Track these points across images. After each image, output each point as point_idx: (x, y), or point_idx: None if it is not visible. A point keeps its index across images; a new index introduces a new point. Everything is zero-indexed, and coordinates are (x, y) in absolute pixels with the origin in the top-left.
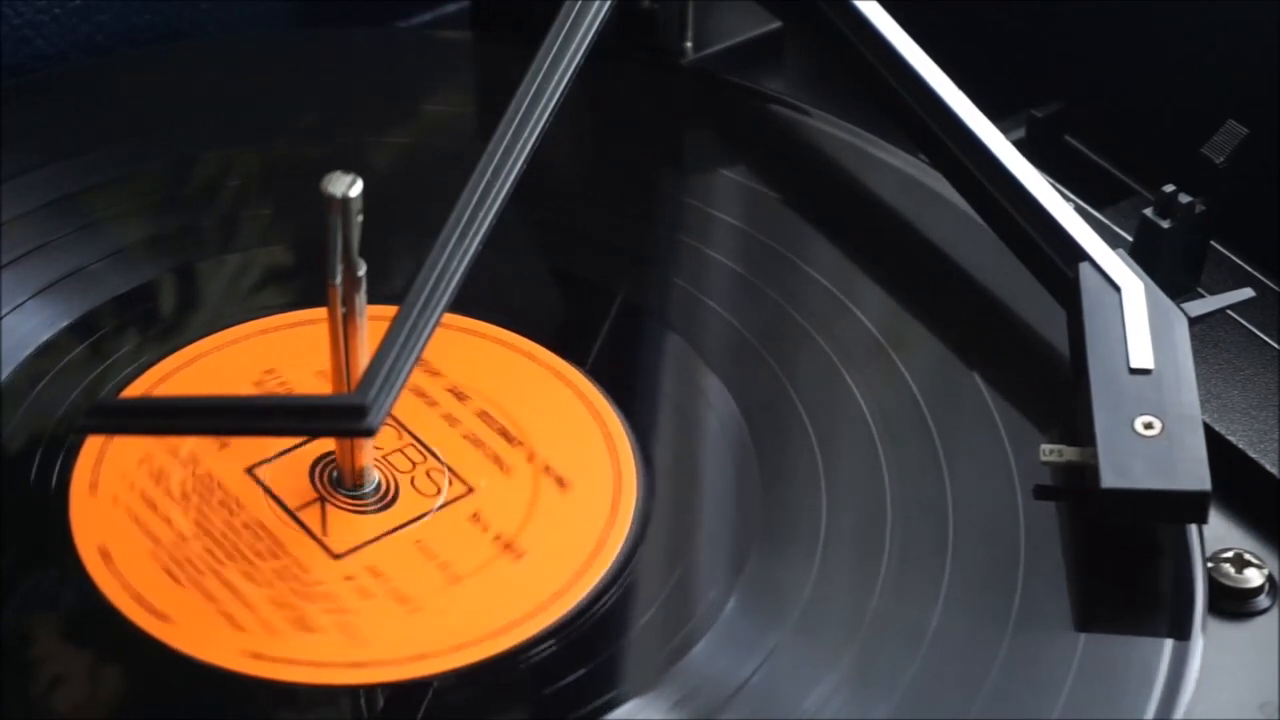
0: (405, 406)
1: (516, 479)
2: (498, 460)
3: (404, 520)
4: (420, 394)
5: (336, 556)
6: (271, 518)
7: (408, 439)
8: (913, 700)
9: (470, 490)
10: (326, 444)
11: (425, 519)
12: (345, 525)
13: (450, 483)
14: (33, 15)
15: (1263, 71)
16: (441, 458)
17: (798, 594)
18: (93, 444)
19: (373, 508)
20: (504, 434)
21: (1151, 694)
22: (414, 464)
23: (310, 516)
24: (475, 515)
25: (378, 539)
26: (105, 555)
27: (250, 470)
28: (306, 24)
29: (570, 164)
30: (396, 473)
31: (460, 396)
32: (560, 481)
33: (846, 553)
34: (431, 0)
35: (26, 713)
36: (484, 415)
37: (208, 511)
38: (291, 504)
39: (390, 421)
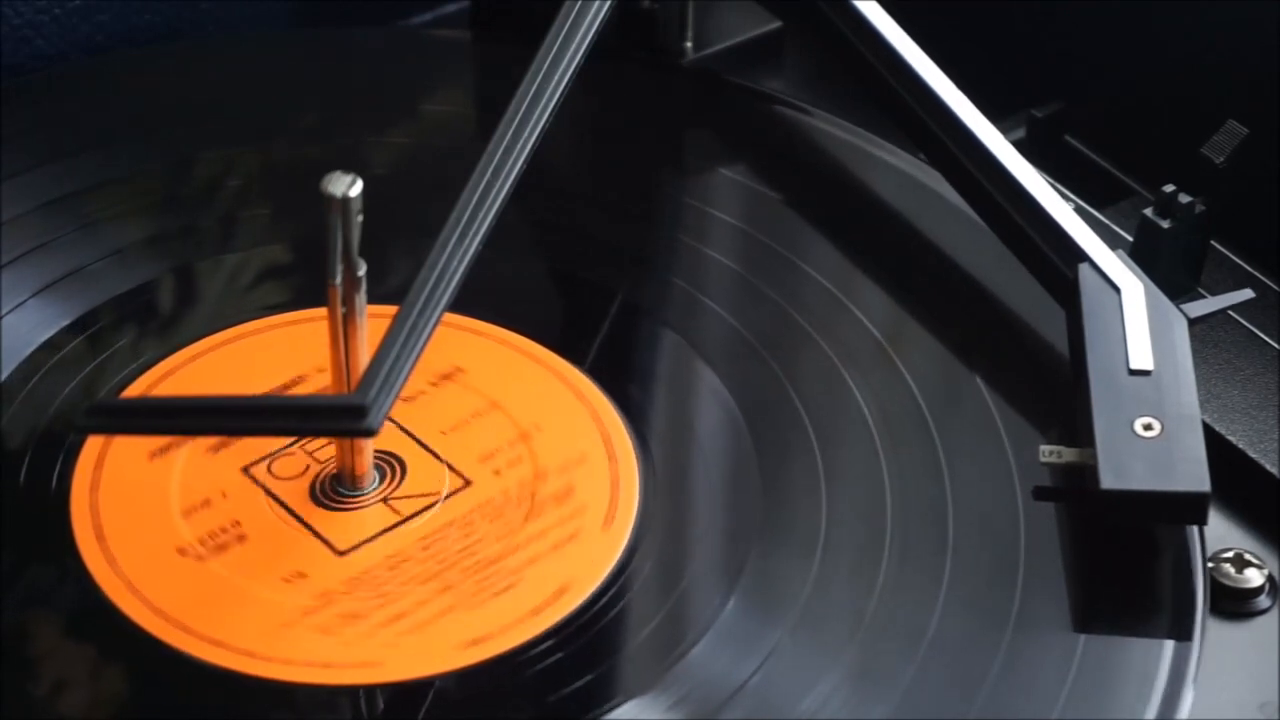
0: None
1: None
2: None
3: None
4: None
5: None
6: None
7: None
8: (912, 700)
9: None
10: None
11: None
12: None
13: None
14: (33, 15)
15: (1263, 71)
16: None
17: (797, 594)
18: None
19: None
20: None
21: (1151, 694)
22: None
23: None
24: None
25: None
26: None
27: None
28: (306, 24)
29: (570, 164)
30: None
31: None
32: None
33: (846, 553)
34: (431, 0)
35: (22, 707)
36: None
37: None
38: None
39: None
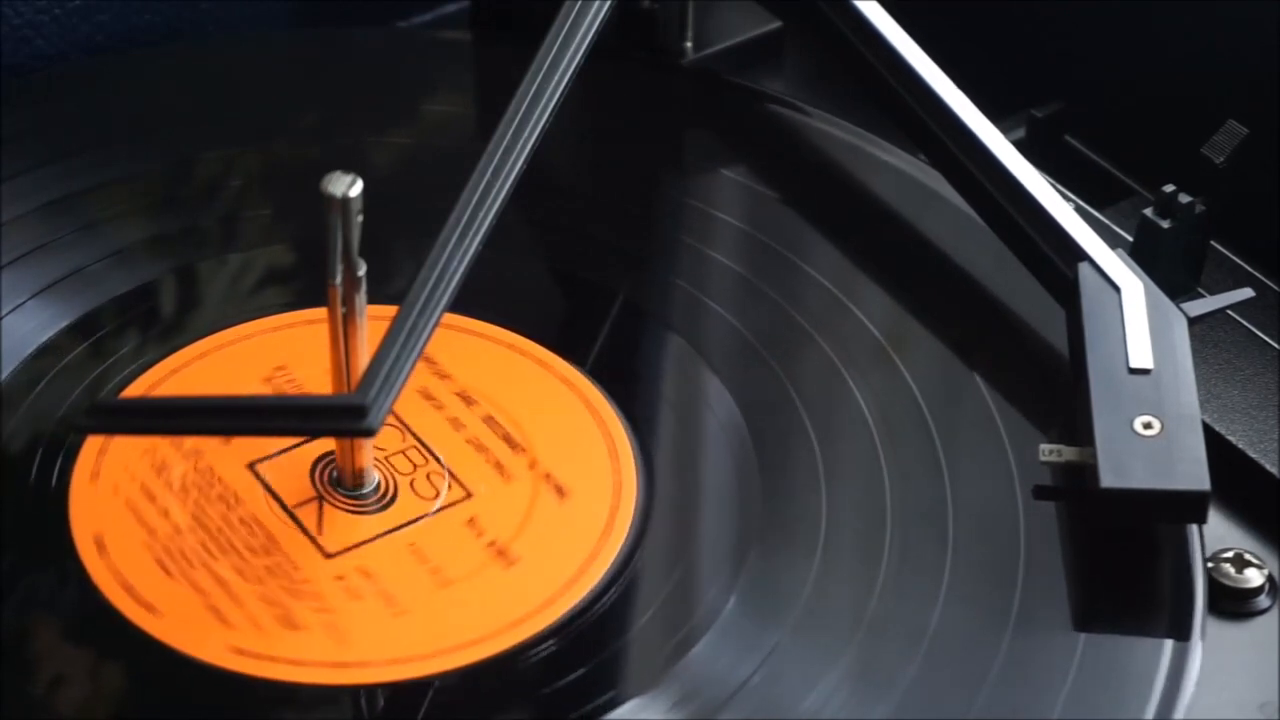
0: (411, 408)
1: (516, 485)
2: (499, 466)
3: (400, 522)
4: (428, 396)
5: (329, 556)
6: (268, 514)
7: (411, 441)
8: (912, 700)
9: (469, 495)
10: (328, 442)
11: (421, 522)
12: (341, 525)
13: (450, 487)
14: (33, 15)
15: (1263, 71)
16: (443, 461)
17: (798, 594)
18: (94, 441)
19: (370, 509)
20: (507, 439)
21: (1151, 694)
22: (415, 466)
23: (307, 515)
24: (472, 520)
25: (371, 540)
26: (100, 546)
27: (251, 466)
28: (306, 24)
29: (570, 164)
30: (397, 474)
31: (468, 401)
32: (560, 490)
33: (846, 553)
34: (431, 0)
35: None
36: (489, 420)
37: (205, 505)
38: (289, 501)
39: (394, 423)
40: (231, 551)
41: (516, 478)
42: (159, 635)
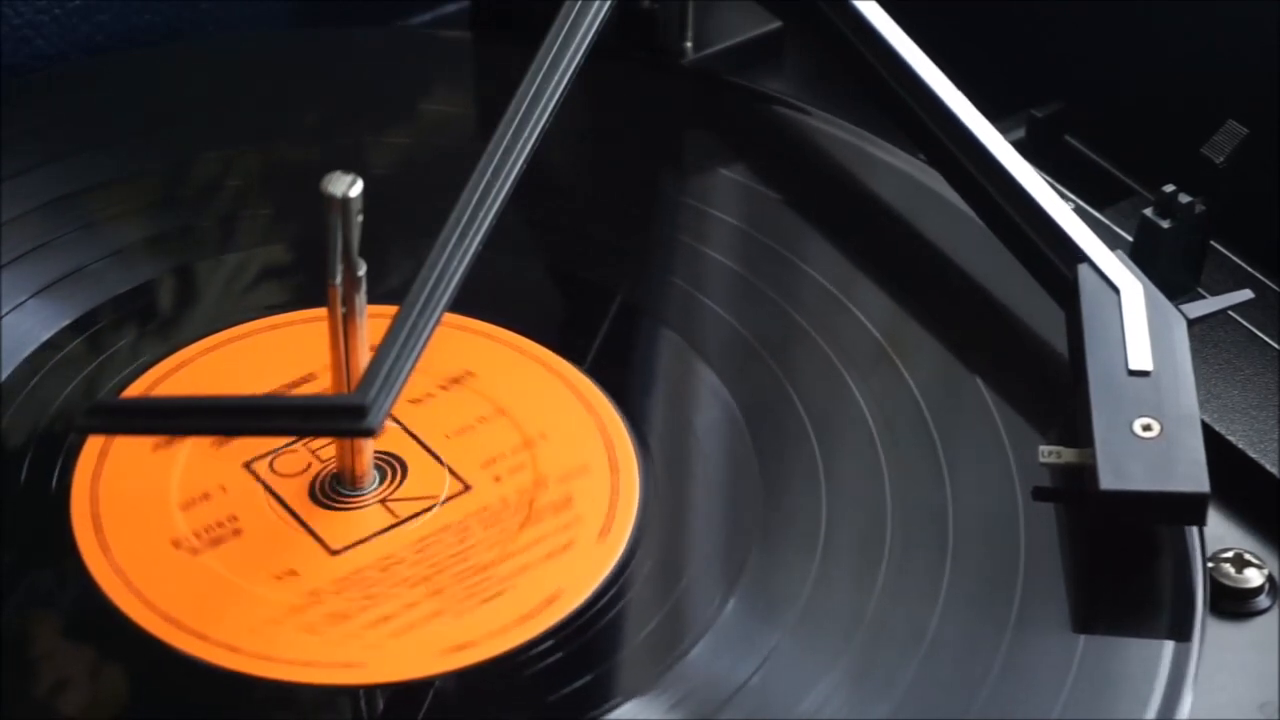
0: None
1: (515, 485)
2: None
3: (397, 521)
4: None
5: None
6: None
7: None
8: (912, 701)
9: (467, 490)
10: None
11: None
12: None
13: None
14: (33, 15)
15: (1263, 71)
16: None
17: (797, 594)
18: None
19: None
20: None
21: (1151, 694)
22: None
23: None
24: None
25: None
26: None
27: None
28: (306, 24)
29: (570, 164)
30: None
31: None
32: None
33: (846, 553)
34: (431, 0)
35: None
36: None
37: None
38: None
39: (396, 423)
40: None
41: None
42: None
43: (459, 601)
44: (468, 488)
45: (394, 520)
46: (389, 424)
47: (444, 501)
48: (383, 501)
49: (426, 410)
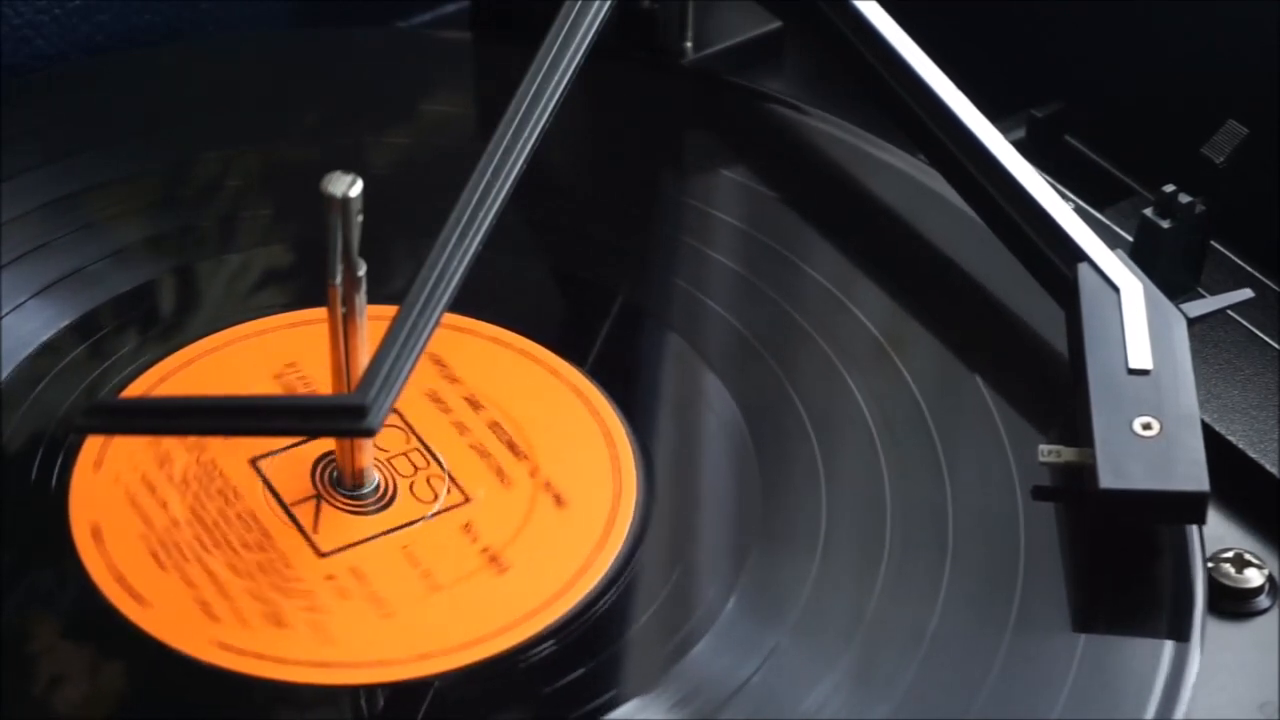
0: (418, 411)
1: (516, 492)
2: (500, 472)
3: (396, 524)
4: (435, 399)
5: (322, 555)
6: (265, 510)
7: (415, 443)
8: (912, 700)
9: (467, 500)
10: (330, 440)
11: (417, 525)
12: (337, 524)
13: (448, 491)
14: (33, 15)
15: (1263, 71)
16: (445, 465)
17: (798, 594)
18: (94, 441)
19: (369, 509)
20: (510, 445)
21: (1151, 694)
22: (416, 469)
23: (304, 513)
24: (468, 525)
25: (365, 541)
26: (99, 541)
27: (254, 461)
28: (306, 24)
29: (570, 164)
30: (397, 476)
31: (475, 405)
32: (558, 498)
33: (846, 553)
34: (431, 0)
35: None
36: (495, 426)
37: (204, 499)
38: (288, 498)
39: (399, 425)
40: (225, 545)
41: (516, 483)
42: (147, 628)
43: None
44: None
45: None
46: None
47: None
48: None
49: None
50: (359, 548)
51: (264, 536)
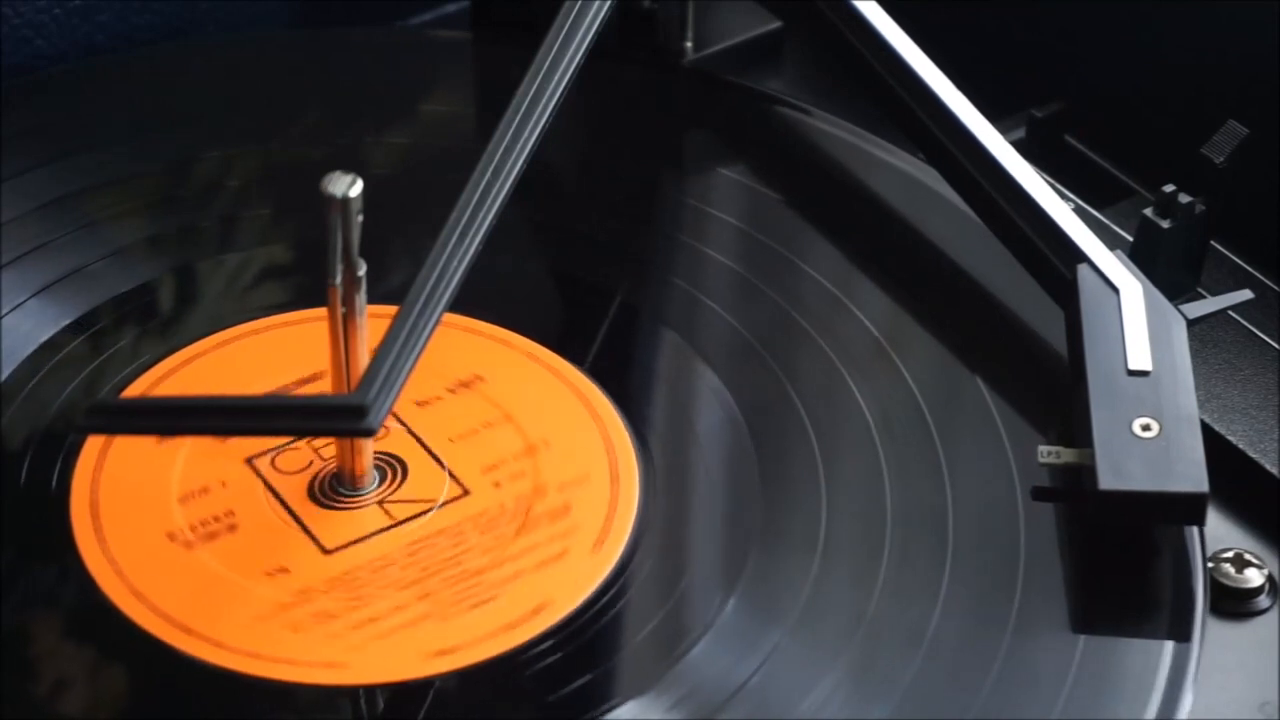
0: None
1: (514, 491)
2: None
3: (397, 520)
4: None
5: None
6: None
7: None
8: (912, 701)
9: (466, 494)
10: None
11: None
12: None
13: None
14: (33, 15)
15: (1263, 71)
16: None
17: (797, 594)
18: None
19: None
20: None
21: (1151, 694)
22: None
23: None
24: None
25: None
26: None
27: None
28: (306, 24)
29: (570, 164)
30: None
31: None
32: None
33: (846, 553)
34: (431, 0)
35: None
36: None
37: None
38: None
39: (396, 422)
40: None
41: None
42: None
43: (447, 606)
44: (467, 492)
45: (390, 522)
46: (394, 425)
47: (441, 505)
48: (380, 503)
49: (432, 413)
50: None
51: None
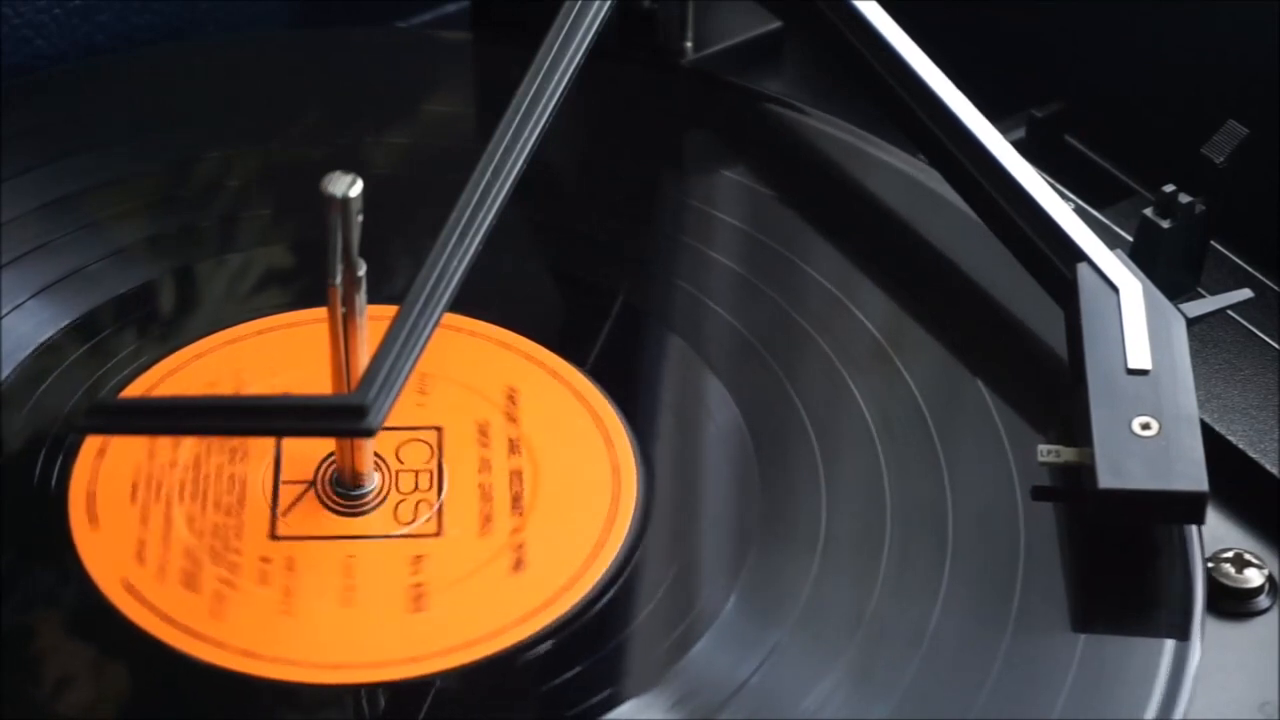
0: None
1: (514, 492)
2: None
3: (357, 533)
4: (483, 433)
5: (273, 537)
6: (256, 478)
7: (434, 464)
8: (912, 700)
9: (464, 498)
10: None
11: (415, 522)
12: (308, 514)
13: (448, 491)
14: (33, 15)
15: (1263, 71)
16: (444, 464)
17: (797, 594)
18: (94, 441)
19: (345, 510)
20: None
21: (1151, 694)
22: (417, 489)
23: (289, 492)
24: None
25: (319, 538)
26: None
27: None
28: (306, 24)
29: (570, 164)
30: (395, 489)
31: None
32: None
33: (846, 553)
34: (431, 0)
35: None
36: (498, 430)
37: (208, 492)
38: (285, 474)
39: (427, 442)
40: (199, 497)
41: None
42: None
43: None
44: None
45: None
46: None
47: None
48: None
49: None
50: (308, 542)
51: (238, 500)
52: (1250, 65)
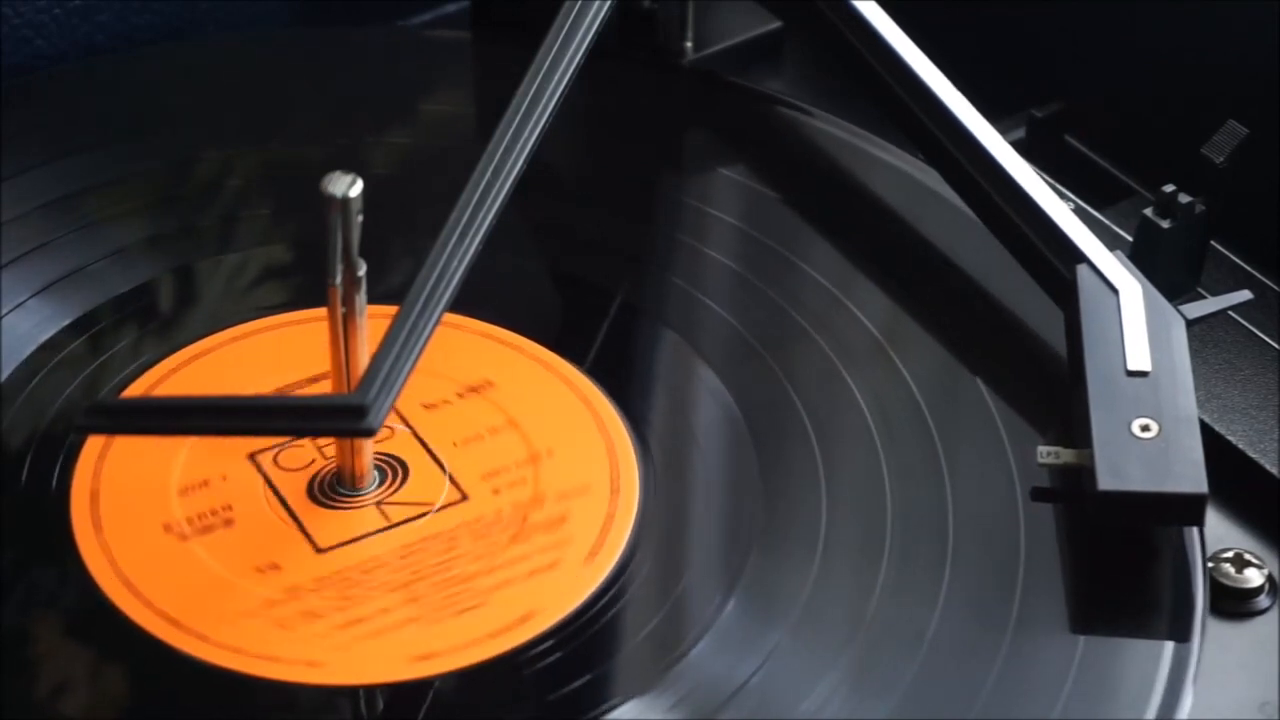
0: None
1: (512, 499)
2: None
3: (393, 522)
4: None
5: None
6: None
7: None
8: (912, 701)
9: (464, 500)
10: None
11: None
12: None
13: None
14: (33, 15)
15: (1263, 71)
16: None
17: (797, 594)
18: (95, 441)
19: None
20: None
21: (1151, 694)
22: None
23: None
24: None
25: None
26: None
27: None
28: (306, 24)
29: (570, 164)
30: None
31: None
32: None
33: (846, 553)
34: (431, 0)
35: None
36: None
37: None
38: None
39: (401, 424)
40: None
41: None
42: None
43: (434, 610)
44: (465, 497)
45: (386, 524)
46: (399, 427)
47: (439, 509)
48: (378, 503)
49: (438, 416)
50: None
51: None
52: (1250, 65)
